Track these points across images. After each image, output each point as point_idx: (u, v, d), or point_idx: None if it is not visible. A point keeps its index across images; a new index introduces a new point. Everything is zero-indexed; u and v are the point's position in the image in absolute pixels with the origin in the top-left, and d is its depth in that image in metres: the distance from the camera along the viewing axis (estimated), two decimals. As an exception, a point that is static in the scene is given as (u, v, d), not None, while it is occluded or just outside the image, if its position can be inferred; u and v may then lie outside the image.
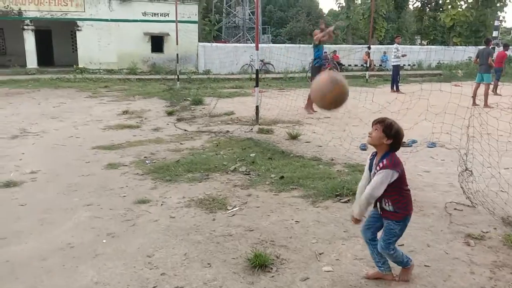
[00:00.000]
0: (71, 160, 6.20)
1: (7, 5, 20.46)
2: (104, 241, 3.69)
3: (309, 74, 14.45)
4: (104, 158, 6.27)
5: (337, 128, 8.13)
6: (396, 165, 2.70)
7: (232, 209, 4.35)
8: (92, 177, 5.44)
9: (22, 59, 21.17)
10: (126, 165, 5.93)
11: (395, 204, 2.78)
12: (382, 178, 2.68)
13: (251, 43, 30.53)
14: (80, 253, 3.48)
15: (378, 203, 2.85)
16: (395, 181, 2.71)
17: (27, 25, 20.91)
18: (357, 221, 2.88)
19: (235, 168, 5.67)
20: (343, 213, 4.18)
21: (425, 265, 3.22)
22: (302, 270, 3.18)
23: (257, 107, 8.72)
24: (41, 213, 4.29)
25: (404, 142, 2.81)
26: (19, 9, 20.65)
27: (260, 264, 3.17)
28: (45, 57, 22.57)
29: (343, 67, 22.81)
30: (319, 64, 10.11)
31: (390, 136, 2.71)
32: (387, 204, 2.80)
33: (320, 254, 3.40)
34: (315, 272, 3.15)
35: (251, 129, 8.03)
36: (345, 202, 4.44)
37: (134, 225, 4.02)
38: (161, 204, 4.51)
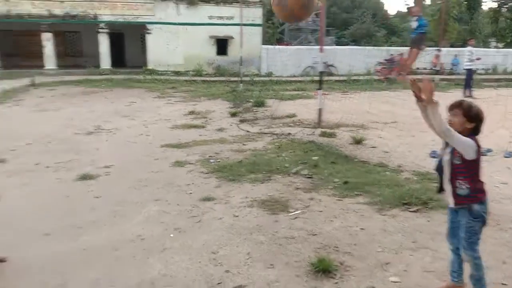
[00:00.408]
0: (141, 157, 6.51)
1: (84, 10, 21.94)
2: (172, 235, 3.83)
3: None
4: (171, 156, 6.51)
5: (405, 133, 7.83)
6: (479, 147, 2.55)
7: (295, 212, 4.34)
8: (160, 173, 5.68)
9: (97, 60, 22.58)
10: (192, 163, 6.12)
11: (472, 184, 2.59)
12: (464, 138, 2.51)
13: (313, 45, 30.29)
14: (149, 245, 3.64)
15: (451, 191, 2.67)
16: (472, 162, 2.56)
17: (102, 28, 22.27)
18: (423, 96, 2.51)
19: (297, 170, 5.65)
20: (411, 222, 4.02)
21: (502, 283, 3.01)
22: (367, 278, 3.09)
23: (320, 110, 8.64)
24: (114, 205, 4.54)
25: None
26: (95, 13, 22.05)
27: (323, 269, 3.14)
28: (118, 59, 23.89)
29: (411, 70, 21.92)
30: (423, 31, 10.22)
31: (472, 119, 2.57)
32: (462, 186, 2.61)
33: (386, 263, 3.29)
34: (381, 281, 3.05)
35: (314, 132, 7.96)
36: (414, 211, 4.26)
37: (200, 221, 4.14)
38: (225, 203, 4.61)
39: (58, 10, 21.60)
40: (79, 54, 25.93)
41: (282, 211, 4.34)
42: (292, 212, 4.33)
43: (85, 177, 5.44)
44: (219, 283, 3.06)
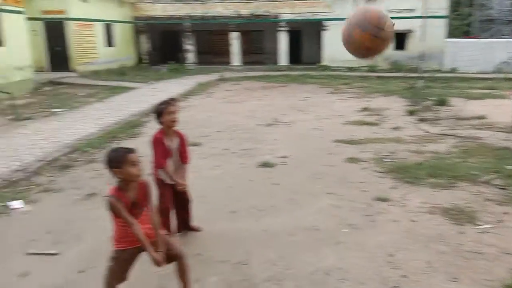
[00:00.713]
0: (315, 150, 6.69)
1: (267, 10, 23.54)
2: (345, 230, 3.85)
3: None
4: (344, 152, 6.52)
5: None
6: None
7: (484, 225, 3.88)
8: (333, 168, 5.74)
9: (276, 57, 24.02)
10: (365, 161, 6.01)
11: None
12: None
13: (509, 38, 26.32)
14: (323, 236, 3.73)
15: None
16: None
17: (282, 26, 23.56)
18: None
19: (488, 180, 5.02)
20: None
21: None
22: None
23: (518, 112, 7.48)
24: (290, 193, 4.79)
25: None
26: (277, 12, 23.47)
27: (521, 294, 2.74)
28: (295, 55, 24.94)
29: None
30: None
31: None
32: None
33: None
34: None
35: (509, 137, 6.94)
36: None
37: (374, 221, 4.05)
38: (402, 206, 4.40)
39: (244, 11, 23.68)
40: (261, 51, 27.91)
41: (468, 223, 3.93)
42: (480, 225, 3.88)
43: (265, 165, 5.86)
44: (395, 286, 2.95)
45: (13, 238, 3.80)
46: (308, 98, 12.57)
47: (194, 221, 3.88)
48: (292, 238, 3.73)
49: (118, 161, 2.34)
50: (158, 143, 3.42)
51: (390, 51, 22.09)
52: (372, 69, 20.72)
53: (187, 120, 8.28)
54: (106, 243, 3.66)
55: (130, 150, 2.41)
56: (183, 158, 3.60)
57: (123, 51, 22.94)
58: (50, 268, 3.28)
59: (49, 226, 4.00)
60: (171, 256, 2.56)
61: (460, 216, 4.06)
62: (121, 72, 19.37)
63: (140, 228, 2.38)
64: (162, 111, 3.38)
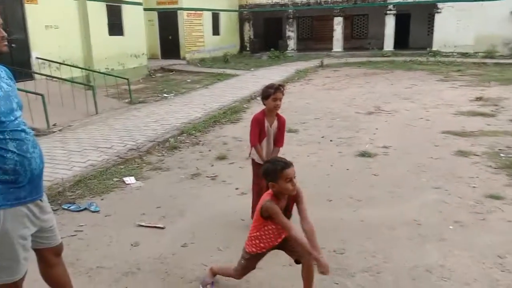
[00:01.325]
0: (420, 141, 6.30)
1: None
2: (451, 227, 3.60)
3: None
4: (453, 144, 6.05)
5: None
6: None
7: None
8: (440, 161, 5.36)
9: (380, 42, 22.91)
10: (477, 155, 5.52)
11: None
12: None
13: None
14: (425, 232, 3.53)
15: None
16: None
17: (390, 10, 22.33)
18: None
19: None
20: None
21: None
22: None
23: None
24: (391, 186, 4.59)
25: None
26: (388, -5, 22.29)
27: None
28: (401, 40, 23.54)
29: None
30: None
31: None
32: None
33: None
34: None
35: None
36: None
37: (484, 220, 3.72)
38: (518, 205, 3.97)
39: (351, -5, 22.90)
40: (364, 36, 26.90)
41: None
42: None
43: (363, 154, 5.69)
44: (506, 292, 2.69)
45: (127, 210, 4.21)
46: (414, 86, 11.85)
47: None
48: (391, 232, 3.58)
49: (273, 176, 2.33)
50: (256, 123, 3.52)
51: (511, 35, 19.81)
52: (489, 55, 18.77)
53: (285, 107, 8.29)
54: (206, 221, 3.90)
55: (287, 165, 2.34)
56: (278, 141, 3.64)
57: (227, 39, 23.77)
58: (157, 240, 3.57)
59: (157, 202, 4.36)
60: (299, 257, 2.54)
61: None
62: (224, 60, 20.15)
63: (298, 231, 2.32)
64: (269, 95, 3.44)
